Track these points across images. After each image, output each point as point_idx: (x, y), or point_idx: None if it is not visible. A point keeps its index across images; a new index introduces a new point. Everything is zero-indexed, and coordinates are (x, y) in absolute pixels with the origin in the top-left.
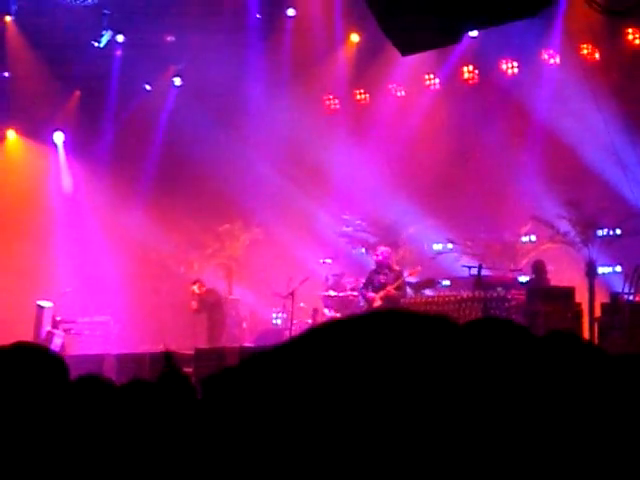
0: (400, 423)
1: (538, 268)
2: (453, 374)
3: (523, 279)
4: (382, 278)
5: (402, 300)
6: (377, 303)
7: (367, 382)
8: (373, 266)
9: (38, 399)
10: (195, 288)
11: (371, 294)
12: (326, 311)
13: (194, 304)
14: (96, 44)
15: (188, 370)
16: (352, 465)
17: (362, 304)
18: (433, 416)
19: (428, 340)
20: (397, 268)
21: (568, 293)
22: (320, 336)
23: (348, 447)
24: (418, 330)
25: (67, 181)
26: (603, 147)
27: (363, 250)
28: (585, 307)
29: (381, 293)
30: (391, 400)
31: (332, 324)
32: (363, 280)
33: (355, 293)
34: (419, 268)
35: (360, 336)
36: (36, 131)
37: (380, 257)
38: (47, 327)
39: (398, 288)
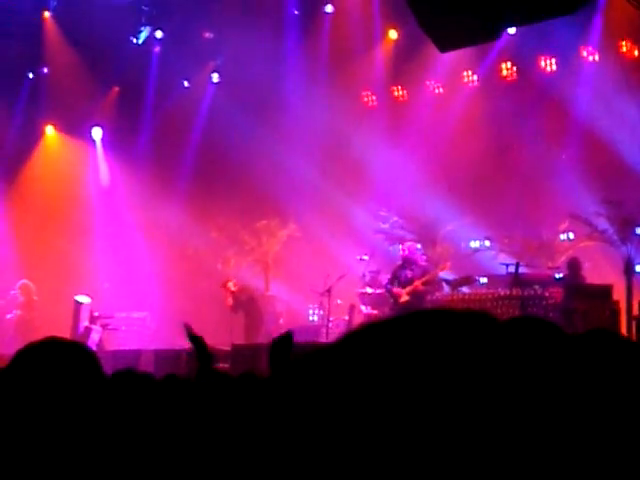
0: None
1: (573, 265)
2: (495, 376)
3: (559, 276)
4: (408, 273)
5: (435, 296)
6: (404, 298)
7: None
8: (399, 261)
9: (69, 394)
10: (230, 285)
11: (397, 289)
12: (363, 308)
13: (229, 301)
14: (134, 40)
15: (225, 366)
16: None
17: (390, 300)
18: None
19: (471, 341)
20: (424, 263)
21: (606, 291)
22: (363, 337)
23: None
24: (461, 329)
25: (105, 177)
26: None
27: (400, 247)
28: (623, 305)
29: (408, 288)
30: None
31: (372, 325)
32: (388, 276)
33: None
34: (448, 263)
35: (404, 338)
36: (74, 127)
37: (406, 252)
38: (85, 322)
39: (426, 283)
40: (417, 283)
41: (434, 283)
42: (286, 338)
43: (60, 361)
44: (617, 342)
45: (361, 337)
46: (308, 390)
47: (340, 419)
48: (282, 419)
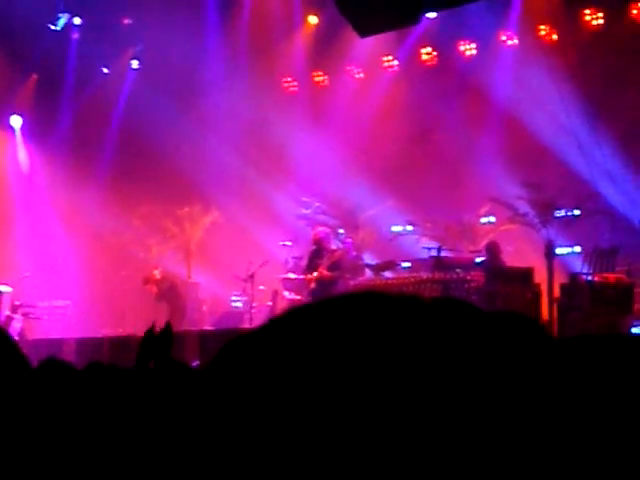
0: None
1: (492, 249)
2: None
3: (480, 260)
4: (319, 259)
5: (357, 280)
6: (312, 285)
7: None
8: (312, 247)
9: None
10: (156, 273)
11: (309, 276)
12: (286, 294)
13: (153, 289)
14: (53, 27)
15: None
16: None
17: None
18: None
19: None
20: (332, 247)
21: (527, 274)
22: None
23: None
24: (392, 312)
25: (25, 165)
26: (561, 128)
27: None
28: (544, 288)
29: (315, 274)
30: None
31: (294, 311)
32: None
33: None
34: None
35: (328, 322)
36: None
37: (316, 237)
38: (6, 312)
39: (331, 269)
40: (321, 269)
41: (344, 268)
42: (166, 331)
43: None
44: (526, 325)
45: (284, 323)
46: (234, 378)
47: (267, 408)
48: (212, 410)
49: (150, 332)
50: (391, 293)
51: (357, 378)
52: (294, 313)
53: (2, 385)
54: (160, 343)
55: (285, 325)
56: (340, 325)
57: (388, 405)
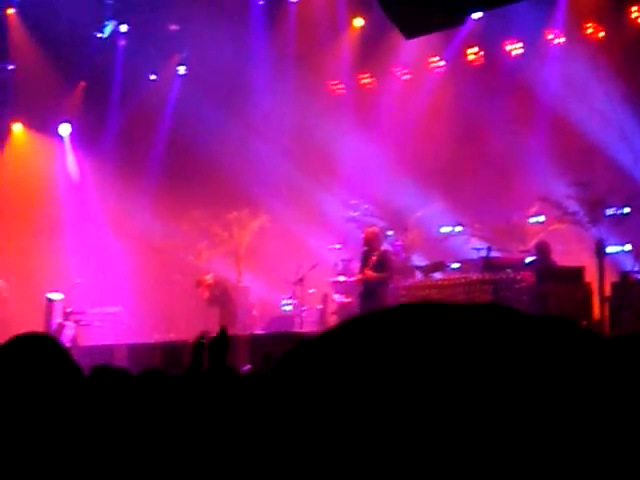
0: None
1: (542, 249)
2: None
3: (530, 260)
4: (371, 259)
5: (407, 282)
6: (360, 287)
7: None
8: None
9: (45, 391)
10: (208, 278)
11: (357, 278)
12: (336, 297)
13: (206, 295)
14: (100, 35)
15: None
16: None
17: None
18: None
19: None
20: (382, 248)
21: (577, 273)
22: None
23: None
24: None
25: (74, 172)
26: (610, 126)
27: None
28: (595, 287)
29: (359, 276)
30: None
31: (359, 320)
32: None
33: None
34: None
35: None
36: (42, 123)
37: (366, 237)
38: (58, 319)
39: (379, 270)
40: (366, 270)
41: (393, 269)
42: (221, 336)
43: (34, 357)
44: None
45: (339, 334)
46: (295, 388)
47: (332, 417)
48: (274, 417)
49: (203, 338)
50: (443, 302)
51: (410, 391)
52: (349, 325)
53: (55, 392)
54: (215, 349)
55: (340, 336)
56: (392, 337)
57: (443, 414)
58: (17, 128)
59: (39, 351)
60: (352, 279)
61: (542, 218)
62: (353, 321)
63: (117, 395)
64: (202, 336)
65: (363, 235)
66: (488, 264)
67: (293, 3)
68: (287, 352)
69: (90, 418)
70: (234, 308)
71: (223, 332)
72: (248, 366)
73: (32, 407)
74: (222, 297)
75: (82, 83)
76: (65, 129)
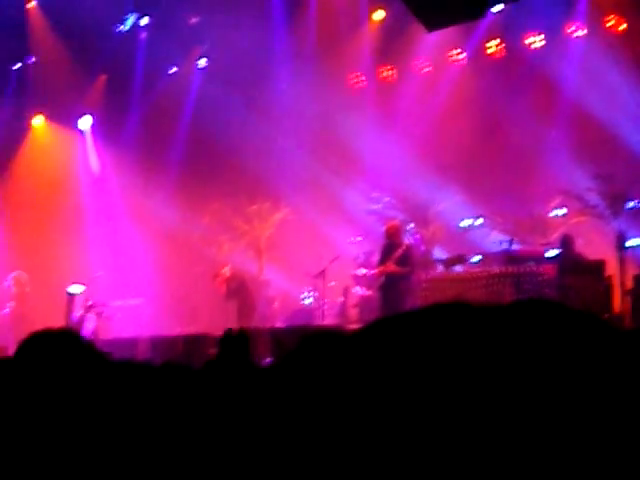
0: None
1: (566, 242)
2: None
3: (552, 253)
4: (391, 254)
5: (429, 275)
6: (381, 280)
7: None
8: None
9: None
10: (225, 271)
11: (374, 271)
12: (357, 289)
13: (223, 288)
14: (120, 27)
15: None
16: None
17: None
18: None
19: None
20: (403, 241)
21: (599, 266)
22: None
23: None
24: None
25: (95, 165)
26: (632, 119)
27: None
28: (616, 280)
29: (380, 268)
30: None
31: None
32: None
33: None
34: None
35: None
36: (64, 116)
37: (388, 230)
38: (79, 311)
39: (400, 263)
40: (389, 263)
41: (414, 263)
42: (241, 336)
43: (55, 351)
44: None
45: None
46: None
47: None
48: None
49: (228, 333)
50: (474, 302)
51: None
52: (383, 322)
53: (80, 386)
54: (237, 343)
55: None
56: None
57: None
58: (38, 121)
59: (58, 347)
60: (373, 272)
61: (564, 211)
62: (387, 320)
63: (141, 387)
64: (228, 331)
65: (384, 228)
66: (509, 257)
67: None
68: (311, 345)
69: (114, 410)
70: (252, 301)
71: (243, 330)
72: (269, 359)
73: (55, 405)
74: (239, 290)
75: (103, 76)
76: (86, 122)
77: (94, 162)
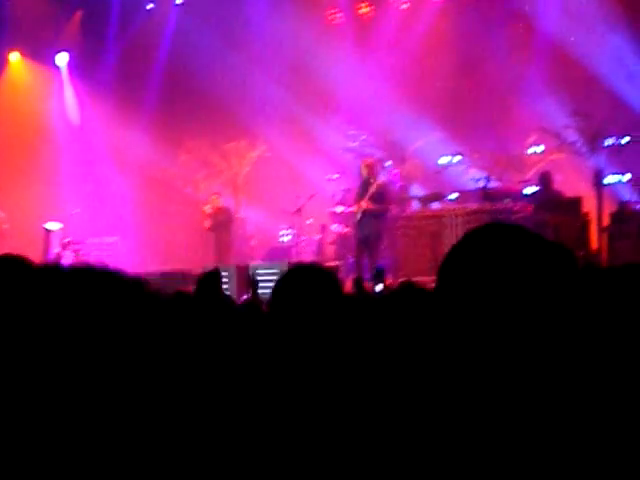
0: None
1: (545, 179)
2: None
3: (529, 190)
4: (367, 191)
5: (405, 212)
6: (357, 217)
7: None
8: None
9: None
10: (214, 199)
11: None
12: (334, 227)
13: (207, 223)
14: None
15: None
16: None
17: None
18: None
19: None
20: (379, 179)
21: (575, 203)
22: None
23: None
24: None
25: (71, 102)
26: (610, 56)
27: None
28: (593, 217)
29: (357, 206)
30: None
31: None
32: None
33: None
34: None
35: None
36: (39, 52)
37: (364, 168)
38: (56, 249)
39: (376, 200)
40: (363, 202)
41: (390, 200)
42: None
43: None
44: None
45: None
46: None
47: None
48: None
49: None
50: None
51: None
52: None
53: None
54: (211, 280)
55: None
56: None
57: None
58: (14, 57)
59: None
60: (350, 209)
61: (541, 148)
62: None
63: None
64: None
65: (360, 165)
66: (486, 194)
67: None
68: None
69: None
70: (230, 238)
71: (217, 269)
72: (246, 295)
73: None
74: (226, 223)
75: (79, 12)
76: (62, 58)
77: (71, 99)
